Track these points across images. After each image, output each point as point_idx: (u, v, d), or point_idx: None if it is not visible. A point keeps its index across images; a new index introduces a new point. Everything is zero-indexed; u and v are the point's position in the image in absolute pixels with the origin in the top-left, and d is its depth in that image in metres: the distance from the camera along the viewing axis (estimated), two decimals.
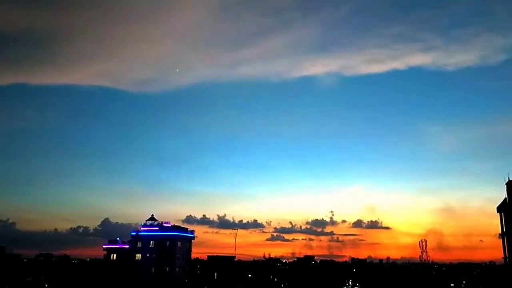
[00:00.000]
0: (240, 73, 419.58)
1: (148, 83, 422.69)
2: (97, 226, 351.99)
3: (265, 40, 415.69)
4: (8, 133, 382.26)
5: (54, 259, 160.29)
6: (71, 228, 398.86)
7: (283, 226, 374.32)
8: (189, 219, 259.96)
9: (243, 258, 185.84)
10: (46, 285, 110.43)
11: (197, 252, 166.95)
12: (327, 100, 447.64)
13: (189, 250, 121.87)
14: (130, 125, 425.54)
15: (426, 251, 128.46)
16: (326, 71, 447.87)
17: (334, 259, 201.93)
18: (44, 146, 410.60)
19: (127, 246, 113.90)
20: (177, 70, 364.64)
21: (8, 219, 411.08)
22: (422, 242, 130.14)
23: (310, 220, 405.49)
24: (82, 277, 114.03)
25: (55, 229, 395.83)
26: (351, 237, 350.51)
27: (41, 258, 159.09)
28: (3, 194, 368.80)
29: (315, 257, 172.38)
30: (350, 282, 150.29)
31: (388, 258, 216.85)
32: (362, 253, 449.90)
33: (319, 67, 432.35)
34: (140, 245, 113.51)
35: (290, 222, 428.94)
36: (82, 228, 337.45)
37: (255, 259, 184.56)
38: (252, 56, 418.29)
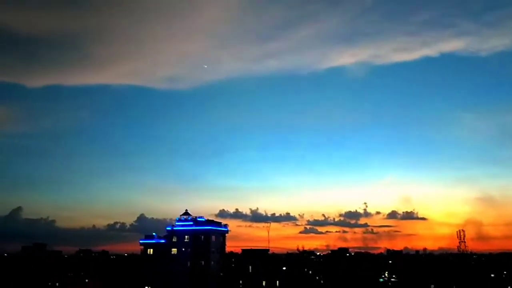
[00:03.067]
0: (267, 67, 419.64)
1: (176, 80, 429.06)
2: (133, 222, 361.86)
3: (291, 32, 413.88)
4: (45, 133, 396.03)
5: (93, 254, 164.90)
6: (108, 224, 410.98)
7: (316, 218, 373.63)
8: (222, 213, 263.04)
9: (276, 251, 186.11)
10: (86, 280, 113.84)
11: (231, 246, 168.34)
12: (356, 90, 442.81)
13: (223, 244, 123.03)
14: (162, 122, 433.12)
15: (465, 241, 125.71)
16: (354, 61, 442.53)
17: (369, 251, 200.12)
18: (79, 146, 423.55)
19: (163, 241, 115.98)
20: (205, 66, 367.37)
21: (48, 217, 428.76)
22: (460, 232, 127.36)
23: (343, 212, 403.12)
24: (121, 271, 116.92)
25: (93, 226, 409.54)
26: (386, 229, 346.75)
27: (81, 254, 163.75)
28: (42, 193, 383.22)
29: (350, 249, 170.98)
30: (386, 274, 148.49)
31: (424, 249, 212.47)
32: (397, 245, 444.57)
33: (347, 57, 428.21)
34: (175, 240, 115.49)
35: (323, 215, 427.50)
36: (119, 224, 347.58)
37: (289, 252, 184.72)
38: (279, 49, 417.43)
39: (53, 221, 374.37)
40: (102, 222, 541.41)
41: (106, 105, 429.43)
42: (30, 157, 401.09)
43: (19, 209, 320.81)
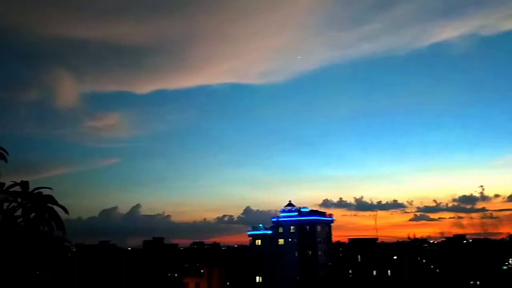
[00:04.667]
0: (363, 51, 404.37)
1: (272, 74, 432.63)
2: (240, 214, 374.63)
3: (386, 12, 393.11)
4: (154, 136, 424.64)
5: (206, 246, 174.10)
6: (217, 217, 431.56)
7: (426, 205, 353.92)
8: (326, 203, 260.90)
9: (385, 240, 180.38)
10: (201, 271, 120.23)
11: (337, 236, 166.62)
12: (462, 66, 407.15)
13: (329, 234, 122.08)
14: (262, 116, 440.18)
15: None
16: (459, 34, 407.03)
17: (489, 237, 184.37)
18: (187, 145, 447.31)
19: (269, 232, 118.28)
20: (299, 57, 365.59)
21: (163, 212, 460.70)
22: None
23: (457, 197, 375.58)
24: (232, 262, 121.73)
25: (204, 219, 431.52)
26: (507, 212, 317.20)
27: (195, 246, 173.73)
28: (158, 191, 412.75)
29: (467, 236, 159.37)
30: (510, 261, 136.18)
31: None
32: None
33: (450, 31, 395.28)
34: (281, 231, 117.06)
35: (434, 200, 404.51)
36: (227, 217, 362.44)
37: (399, 240, 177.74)
38: (374, 31, 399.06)
39: (169, 216, 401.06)
40: (212, 216, 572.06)
41: (208, 104, 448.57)
42: (144, 159, 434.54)
43: (137, 206, 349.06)
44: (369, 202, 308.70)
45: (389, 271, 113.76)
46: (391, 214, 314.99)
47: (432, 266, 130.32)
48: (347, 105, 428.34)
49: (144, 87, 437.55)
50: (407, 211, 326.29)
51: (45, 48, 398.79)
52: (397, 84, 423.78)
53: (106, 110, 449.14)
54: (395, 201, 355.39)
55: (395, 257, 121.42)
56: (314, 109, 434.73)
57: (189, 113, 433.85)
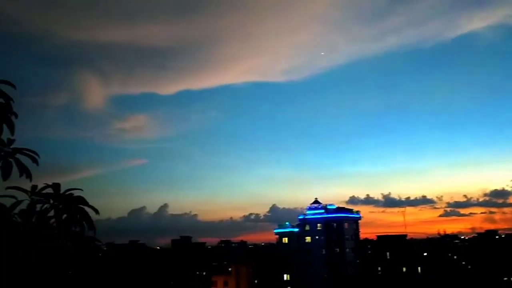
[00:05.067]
0: (387, 45, 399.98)
1: (295, 71, 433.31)
2: (266, 212, 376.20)
3: (410, 4, 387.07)
4: (180, 136, 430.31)
5: (233, 245, 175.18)
6: (244, 216, 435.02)
7: (456, 200, 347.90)
8: (353, 200, 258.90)
9: (414, 236, 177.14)
10: (229, 269, 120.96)
11: (364, 233, 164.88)
12: (491, 57, 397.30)
13: (356, 231, 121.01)
14: (286, 114, 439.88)
15: None
16: (486, 25, 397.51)
17: None
18: (212, 144, 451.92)
19: (296, 230, 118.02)
20: (322, 53, 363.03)
21: (190, 211, 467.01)
22: None
23: (488, 191, 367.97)
24: (260, 260, 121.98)
25: (230, 218, 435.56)
26: None
27: (222, 245, 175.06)
28: (184, 190, 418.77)
29: (499, 232, 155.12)
30: None
31: None
32: None
33: (477, 21, 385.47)
34: (308, 228, 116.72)
35: (465, 195, 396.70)
36: (253, 215, 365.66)
37: (429, 236, 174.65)
38: (399, 24, 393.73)
39: (195, 215, 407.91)
40: (238, 214, 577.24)
41: (232, 103, 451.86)
42: (170, 159, 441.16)
43: (165, 206, 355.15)
44: (397, 198, 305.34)
45: (419, 268, 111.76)
46: (420, 210, 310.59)
47: (463, 263, 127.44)
48: (373, 100, 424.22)
49: (169, 88, 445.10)
50: (437, 206, 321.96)
51: (73, 53, 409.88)
52: (423, 78, 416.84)
53: (132, 112, 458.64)
54: (424, 196, 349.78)
55: (425, 254, 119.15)
56: (339, 105, 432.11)
57: (213, 112, 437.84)
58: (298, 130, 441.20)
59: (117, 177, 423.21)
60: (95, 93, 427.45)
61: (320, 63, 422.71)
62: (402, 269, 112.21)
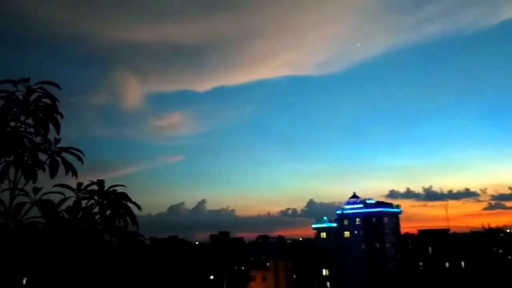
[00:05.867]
0: (425, 33, 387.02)
1: (331, 64, 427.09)
2: (304, 207, 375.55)
3: None
4: (216, 132, 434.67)
5: (270, 240, 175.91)
6: (281, 211, 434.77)
7: (501, 192, 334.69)
8: (392, 194, 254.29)
9: (457, 230, 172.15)
10: (267, 264, 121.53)
11: (405, 227, 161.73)
12: None
13: (397, 225, 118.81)
14: (322, 107, 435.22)
15: None
16: None
17: None
18: (248, 139, 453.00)
19: (334, 225, 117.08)
20: (358, 45, 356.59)
21: (228, 207, 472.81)
22: None
23: None
24: (298, 255, 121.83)
25: (268, 213, 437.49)
26: None
27: (260, 240, 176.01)
28: (222, 186, 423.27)
29: None
30: None
31: None
32: None
33: None
34: (346, 223, 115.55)
35: (510, 188, 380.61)
36: (290, 210, 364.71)
37: (472, 230, 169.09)
38: (437, 12, 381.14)
39: (233, 210, 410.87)
40: (275, 209, 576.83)
41: (267, 98, 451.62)
42: (207, 155, 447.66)
43: (203, 201, 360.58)
44: (439, 191, 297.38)
45: (462, 263, 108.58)
46: (463, 203, 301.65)
47: (509, 257, 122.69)
48: (412, 91, 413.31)
49: (205, 85, 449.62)
50: (481, 199, 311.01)
51: (111, 52, 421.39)
52: (466, 65, 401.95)
53: (169, 109, 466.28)
54: (467, 189, 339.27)
55: (468, 249, 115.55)
56: (377, 97, 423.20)
57: (248, 108, 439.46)
58: (336, 123, 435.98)
59: (155, 173, 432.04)
60: (133, 91, 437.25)
61: (356, 55, 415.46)
62: (445, 264, 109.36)
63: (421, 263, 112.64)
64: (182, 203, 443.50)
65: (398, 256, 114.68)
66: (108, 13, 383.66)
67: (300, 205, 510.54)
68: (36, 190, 4.95)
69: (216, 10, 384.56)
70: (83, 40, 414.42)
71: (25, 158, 5.03)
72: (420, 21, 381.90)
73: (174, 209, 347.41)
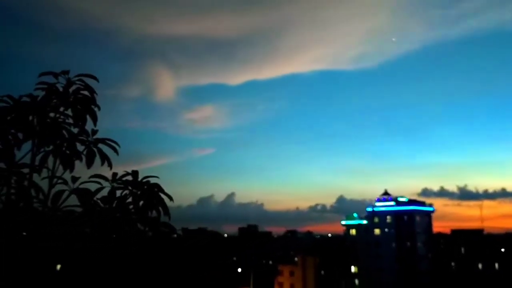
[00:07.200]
0: (464, 28, 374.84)
1: (365, 59, 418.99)
2: (333, 203, 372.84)
3: None
4: (247, 126, 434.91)
5: (299, 235, 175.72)
6: (310, 206, 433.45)
7: None
8: (425, 192, 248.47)
9: (492, 231, 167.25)
10: (295, 259, 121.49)
11: (438, 226, 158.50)
12: None
13: (429, 225, 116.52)
14: (354, 103, 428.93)
15: None
16: None
17: None
18: (278, 134, 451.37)
19: (364, 222, 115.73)
20: (394, 39, 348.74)
21: (257, 201, 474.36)
22: None
23: None
24: (326, 251, 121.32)
25: (297, 208, 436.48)
26: None
27: (289, 234, 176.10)
28: (250, 180, 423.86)
29: None
30: None
31: None
32: None
33: None
34: (377, 221, 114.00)
35: None
36: (320, 206, 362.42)
37: (508, 231, 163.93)
38: (476, 6, 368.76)
39: (262, 204, 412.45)
40: (304, 204, 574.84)
41: (299, 92, 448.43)
42: (238, 148, 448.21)
43: (232, 194, 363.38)
44: (474, 191, 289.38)
45: (496, 264, 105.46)
46: (499, 203, 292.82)
47: None
48: (449, 87, 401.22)
49: (237, 78, 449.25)
50: None
51: (145, 46, 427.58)
52: (505, 62, 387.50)
53: (201, 102, 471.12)
54: (503, 189, 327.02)
55: (503, 250, 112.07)
56: (412, 92, 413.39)
57: (280, 102, 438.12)
58: (369, 119, 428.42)
59: (186, 166, 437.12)
60: (166, 84, 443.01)
61: (392, 50, 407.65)
62: (478, 265, 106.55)
63: (453, 264, 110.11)
64: (212, 196, 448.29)
65: (430, 255, 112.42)
66: (142, 7, 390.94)
67: (329, 201, 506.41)
68: (74, 179, 5.13)
69: (249, 4, 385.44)
70: (118, 34, 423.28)
71: (63, 148, 5.21)
72: (460, 15, 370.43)
73: (204, 201, 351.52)
